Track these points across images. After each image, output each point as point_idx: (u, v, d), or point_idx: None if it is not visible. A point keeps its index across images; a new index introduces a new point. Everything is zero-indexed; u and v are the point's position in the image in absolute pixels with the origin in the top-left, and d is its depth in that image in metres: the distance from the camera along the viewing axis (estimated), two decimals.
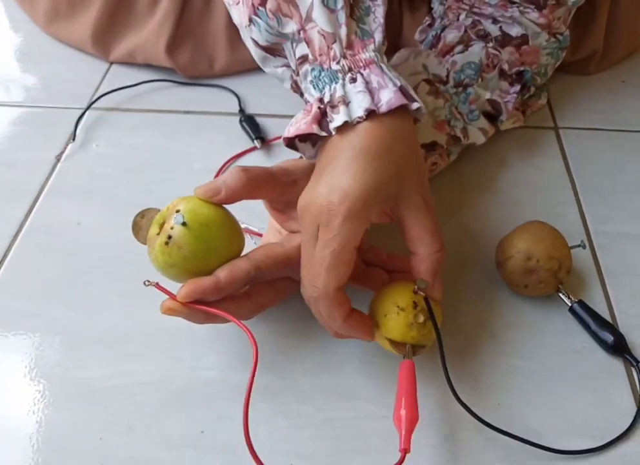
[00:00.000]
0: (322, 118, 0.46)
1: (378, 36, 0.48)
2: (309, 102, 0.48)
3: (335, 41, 0.46)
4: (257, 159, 0.67)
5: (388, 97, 0.44)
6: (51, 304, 0.54)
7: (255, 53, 0.52)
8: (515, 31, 0.62)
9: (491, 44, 0.62)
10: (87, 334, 0.52)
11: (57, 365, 0.50)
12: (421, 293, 0.45)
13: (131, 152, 0.67)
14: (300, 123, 0.46)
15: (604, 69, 0.78)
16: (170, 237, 0.43)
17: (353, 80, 0.45)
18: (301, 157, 0.56)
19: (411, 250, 0.47)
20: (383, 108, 0.44)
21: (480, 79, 0.61)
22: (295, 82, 0.52)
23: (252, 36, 0.50)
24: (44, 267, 0.57)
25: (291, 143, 0.49)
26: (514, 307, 0.54)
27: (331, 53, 0.46)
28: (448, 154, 0.62)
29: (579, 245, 0.54)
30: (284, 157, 0.66)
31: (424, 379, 0.49)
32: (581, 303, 0.52)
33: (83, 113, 0.71)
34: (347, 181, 0.42)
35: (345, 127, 0.44)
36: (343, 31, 0.46)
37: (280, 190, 0.48)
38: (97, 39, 0.77)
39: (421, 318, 0.45)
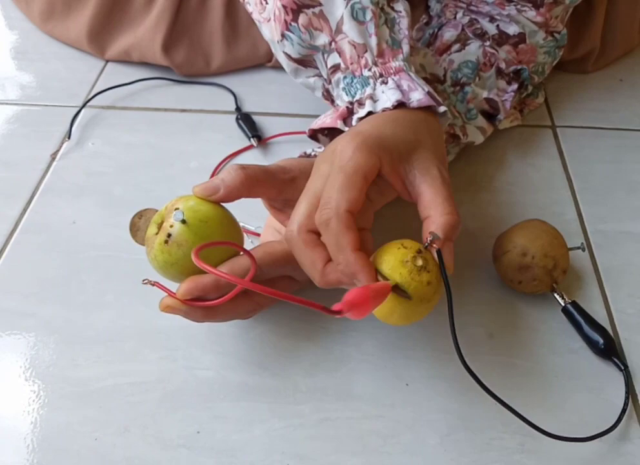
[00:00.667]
0: (348, 116, 0.48)
1: (405, 47, 0.50)
2: (335, 107, 0.51)
3: (366, 51, 0.49)
4: (254, 158, 0.67)
5: (418, 97, 0.47)
6: (46, 303, 0.54)
7: (288, 66, 0.55)
8: (512, 29, 0.62)
9: (488, 43, 0.62)
10: (82, 334, 0.52)
11: (52, 365, 0.50)
12: (434, 246, 0.42)
13: (127, 151, 0.67)
14: (327, 118, 0.49)
15: (602, 67, 0.78)
16: (169, 235, 0.43)
17: (384, 83, 0.48)
18: (301, 156, 0.56)
19: (423, 217, 0.44)
20: (413, 104, 0.47)
21: (477, 78, 0.61)
22: (327, 91, 0.54)
23: (285, 50, 0.53)
24: (39, 266, 0.57)
25: (314, 135, 0.53)
26: (511, 307, 0.54)
27: (362, 62, 0.49)
28: (447, 153, 0.61)
29: (578, 248, 0.53)
30: (281, 156, 0.66)
31: (428, 379, 0.49)
32: (574, 305, 0.52)
33: (79, 112, 0.71)
34: (362, 127, 0.44)
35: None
36: (373, 41, 0.49)
37: (278, 187, 0.47)
38: (92, 37, 0.77)
39: (419, 262, 0.41)
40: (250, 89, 0.75)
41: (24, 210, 0.61)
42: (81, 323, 0.52)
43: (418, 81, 0.49)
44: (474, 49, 0.61)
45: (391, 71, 0.49)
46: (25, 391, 0.48)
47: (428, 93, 0.48)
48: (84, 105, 0.71)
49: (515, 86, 0.63)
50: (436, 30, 0.64)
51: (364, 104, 0.48)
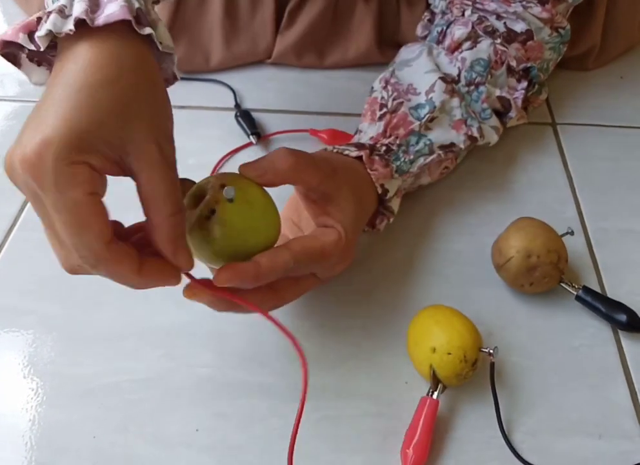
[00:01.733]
0: (35, 29, 0.38)
1: None
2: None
3: None
4: (254, 155, 0.66)
5: (111, 10, 0.36)
6: (45, 301, 0.54)
7: None
8: (519, 27, 0.62)
9: (499, 41, 0.62)
10: (82, 332, 0.52)
11: (50, 362, 0.50)
12: (492, 358, 0.47)
13: None
14: (10, 29, 0.38)
15: (602, 65, 0.78)
16: (213, 211, 0.39)
17: None
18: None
19: (145, 215, 0.38)
20: (99, 20, 0.35)
21: (489, 76, 0.60)
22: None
23: None
24: (38, 263, 0.56)
25: (12, 55, 0.40)
26: (511, 305, 0.54)
27: None
28: (456, 157, 0.61)
29: (567, 233, 0.54)
30: None
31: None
32: (586, 289, 0.52)
33: None
34: (51, 124, 0.33)
35: (62, 46, 0.36)
36: None
37: (320, 177, 0.45)
38: None
39: (470, 375, 0.46)
40: (249, 86, 0.75)
41: (22, 207, 0.61)
42: (80, 321, 0.52)
43: None
44: (485, 47, 0.61)
45: None
46: (24, 389, 0.48)
47: (136, 10, 0.37)
48: None
49: (524, 83, 0.63)
50: (444, 27, 0.64)
51: (50, 16, 0.37)
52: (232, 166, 0.65)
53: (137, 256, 0.37)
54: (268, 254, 0.41)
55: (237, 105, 0.72)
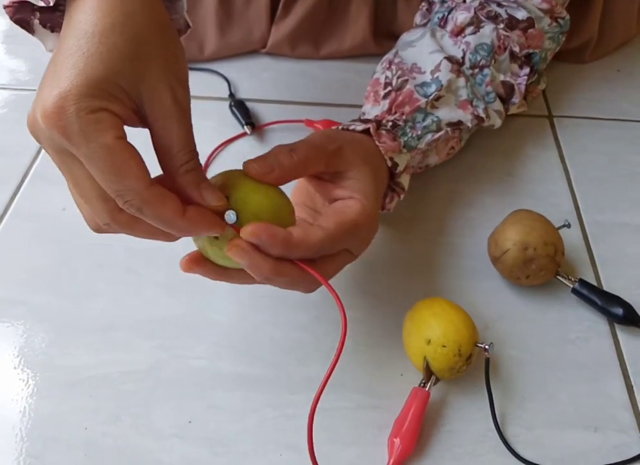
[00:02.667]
0: None
1: None
2: None
3: None
4: (248, 146, 0.66)
5: None
6: (36, 291, 0.53)
7: None
8: (520, 14, 0.61)
9: (501, 26, 0.61)
10: (73, 322, 0.51)
11: (41, 353, 0.49)
12: (487, 354, 0.47)
13: None
14: None
15: (599, 57, 0.78)
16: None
17: None
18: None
19: (161, 166, 0.37)
20: None
21: (493, 61, 0.60)
22: None
23: None
24: (29, 253, 0.56)
25: (25, 21, 0.39)
26: (507, 297, 0.54)
27: None
28: (460, 139, 0.61)
29: (564, 225, 0.54)
30: (275, 144, 0.65)
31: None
32: (582, 282, 0.52)
33: None
34: (67, 75, 0.33)
35: (73, 4, 0.36)
36: None
37: (326, 161, 0.44)
38: None
39: (463, 369, 0.46)
40: (243, 75, 0.74)
41: (14, 195, 0.60)
42: (72, 312, 0.52)
43: None
44: (488, 31, 0.60)
45: None
46: (14, 380, 0.48)
47: None
48: None
49: (527, 70, 0.62)
50: (446, 13, 0.63)
51: None
52: (226, 157, 0.64)
53: (177, 198, 0.36)
54: (301, 228, 0.40)
55: (232, 95, 0.71)
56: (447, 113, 0.56)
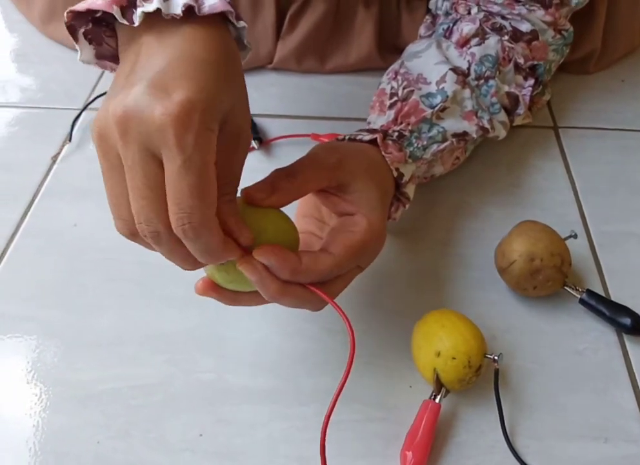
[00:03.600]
0: (128, 6, 0.38)
1: None
2: None
3: None
4: (255, 160, 0.66)
5: (212, 1, 0.38)
6: (47, 307, 0.54)
7: None
8: (524, 27, 0.62)
9: (506, 38, 0.62)
10: (84, 337, 0.52)
11: (53, 368, 0.50)
12: (496, 365, 0.47)
13: None
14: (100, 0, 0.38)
15: (603, 68, 0.78)
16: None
17: None
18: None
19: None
20: (205, 9, 0.37)
21: (498, 72, 0.60)
22: None
23: None
24: (40, 269, 0.56)
25: (73, 28, 0.40)
26: (514, 308, 0.54)
27: None
28: (465, 149, 0.61)
29: (570, 236, 0.54)
30: (282, 158, 0.66)
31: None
32: (590, 293, 0.52)
33: (79, 114, 0.70)
34: (191, 87, 0.34)
35: (157, 25, 0.37)
36: None
37: (327, 177, 0.45)
38: None
39: (473, 380, 0.46)
40: (250, 91, 0.73)
41: (25, 213, 0.61)
42: (82, 327, 0.52)
43: None
44: (493, 43, 0.61)
45: None
46: (27, 394, 0.48)
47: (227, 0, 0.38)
48: (85, 107, 0.71)
49: (531, 81, 0.63)
50: (451, 25, 0.64)
51: None
52: None
53: None
54: (311, 255, 0.41)
55: None
56: (452, 124, 0.57)
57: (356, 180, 0.46)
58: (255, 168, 0.65)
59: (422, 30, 0.68)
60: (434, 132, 0.56)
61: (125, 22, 0.37)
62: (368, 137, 0.52)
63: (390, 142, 0.52)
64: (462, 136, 0.57)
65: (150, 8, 0.36)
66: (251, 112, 0.70)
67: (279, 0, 0.73)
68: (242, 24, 0.39)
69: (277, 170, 0.43)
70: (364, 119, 0.60)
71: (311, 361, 0.50)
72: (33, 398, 0.48)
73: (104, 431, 0.46)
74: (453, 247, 0.59)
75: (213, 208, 0.35)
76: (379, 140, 0.51)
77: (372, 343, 0.51)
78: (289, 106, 0.73)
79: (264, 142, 0.68)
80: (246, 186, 0.42)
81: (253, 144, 0.67)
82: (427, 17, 0.68)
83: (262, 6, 0.73)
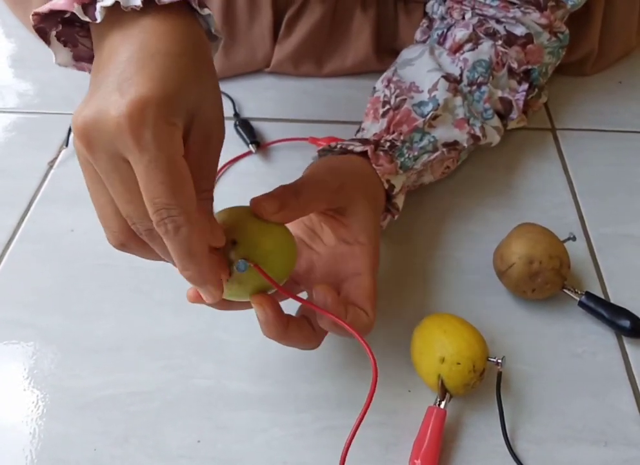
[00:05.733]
0: (90, 2, 0.36)
1: None
2: None
3: None
4: (253, 164, 0.66)
5: None
6: (44, 313, 0.53)
7: None
8: (519, 30, 0.62)
9: (499, 42, 0.62)
10: (81, 343, 0.51)
11: (50, 374, 0.49)
12: (500, 368, 0.47)
13: None
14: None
15: (601, 70, 0.78)
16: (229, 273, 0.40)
17: None
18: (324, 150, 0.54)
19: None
20: None
21: (491, 77, 0.61)
22: None
23: None
24: (37, 275, 0.56)
25: (44, 31, 0.40)
26: (513, 311, 0.53)
27: None
28: (458, 159, 0.61)
29: (569, 238, 0.54)
30: (280, 162, 0.66)
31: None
32: (589, 295, 0.52)
33: None
34: (144, 84, 0.33)
35: (120, 20, 0.36)
36: None
37: (329, 198, 0.46)
38: None
39: (477, 385, 0.46)
40: (248, 95, 0.75)
41: (22, 218, 0.61)
42: (80, 333, 0.52)
43: None
44: (487, 48, 0.61)
45: None
46: (24, 401, 0.48)
47: None
48: None
49: (525, 85, 0.63)
50: (445, 30, 0.64)
51: None
52: (232, 175, 0.65)
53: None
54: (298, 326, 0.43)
55: (236, 114, 0.72)
56: (444, 132, 0.57)
57: (354, 204, 0.47)
58: (252, 172, 0.66)
59: (418, 35, 0.68)
60: (425, 141, 0.56)
61: (87, 19, 0.36)
62: (359, 148, 0.52)
63: (381, 153, 0.53)
64: (452, 146, 0.58)
65: (108, 1, 0.35)
66: (249, 116, 0.71)
67: (276, 3, 0.73)
68: (206, 11, 0.37)
69: (284, 187, 0.43)
70: (362, 123, 0.60)
71: (310, 368, 0.50)
72: (30, 405, 0.48)
73: (102, 438, 0.46)
74: (450, 250, 0.58)
75: (193, 203, 0.34)
76: (369, 152, 0.52)
77: (370, 346, 0.51)
78: (286, 110, 0.73)
79: (262, 145, 0.68)
80: (255, 196, 0.42)
81: (251, 148, 0.67)
82: (424, 20, 0.68)
83: (259, 9, 0.73)
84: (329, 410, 0.47)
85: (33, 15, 0.38)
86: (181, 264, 0.36)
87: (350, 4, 0.73)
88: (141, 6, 0.35)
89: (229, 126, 0.70)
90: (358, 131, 0.60)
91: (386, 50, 0.75)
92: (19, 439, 0.46)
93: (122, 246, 0.37)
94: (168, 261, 0.38)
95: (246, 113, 0.72)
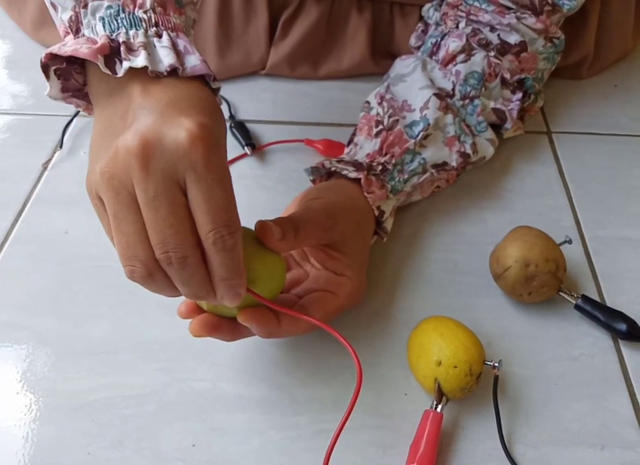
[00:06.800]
0: (110, 54, 0.39)
1: (191, 13, 0.44)
2: (84, 36, 0.40)
3: None
4: (248, 167, 0.66)
5: (194, 62, 0.39)
6: (38, 315, 0.53)
7: None
8: (513, 39, 0.62)
9: (492, 53, 0.62)
10: (75, 346, 0.51)
11: (44, 377, 0.49)
12: (496, 371, 0.46)
13: None
14: (82, 46, 0.38)
15: (596, 73, 0.78)
16: None
17: (158, 36, 0.40)
18: (319, 167, 0.56)
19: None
20: (187, 70, 0.39)
21: (483, 89, 0.61)
22: (77, 15, 0.42)
23: None
24: (31, 277, 0.56)
25: (46, 66, 0.41)
26: (510, 314, 0.53)
27: (139, 0, 0.40)
28: (453, 180, 0.62)
29: (565, 241, 0.54)
30: (275, 164, 0.66)
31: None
32: (585, 298, 0.52)
33: (71, 121, 0.70)
34: (193, 113, 0.36)
35: (140, 76, 0.38)
36: None
37: (323, 236, 0.47)
38: None
39: (473, 388, 0.46)
40: (243, 97, 0.74)
41: (16, 220, 0.61)
42: (74, 335, 0.52)
43: (195, 47, 0.41)
44: (479, 59, 0.61)
45: (170, 25, 0.41)
46: (17, 404, 0.47)
47: (204, 61, 0.40)
48: (76, 114, 0.71)
49: (519, 94, 0.63)
50: (439, 39, 0.64)
51: (136, 51, 0.39)
52: None
53: None
54: (290, 320, 0.44)
55: (232, 116, 0.71)
56: (434, 153, 0.58)
57: (345, 242, 0.49)
58: (247, 174, 0.66)
59: (412, 40, 0.68)
60: (415, 164, 0.57)
61: (108, 72, 0.38)
62: (353, 174, 0.54)
63: (373, 178, 0.54)
64: (442, 167, 0.59)
65: (138, 63, 0.37)
66: (245, 118, 0.71)
67: (271, 6, 0.73)
68: (217, 84, 0.41)
69: (283, 219, 0.45)
70: (355, 134, 0.61)
71: (305, 371, 0.50)
72: (24, 408, 0.47)
73: (97, 442, 0.45)
74: (447, 252, 0.58)
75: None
76: (363, 180, 0.53)
77: (366, 350, 0.51)
78: (282, 112, 0.73)
79: (257, 148, 0.67)
80: (261, 220, 0.43)
81: (246, 150, 0.67)
82: (419, 24, 0.68)
83: (255, 12, 0.73)
84: (324, 413, 0.47)
85: (47, 53, 0.39)
86: (230, 276, 0.37)
87: (346, 6, 0.73)
88: (165, 74, 0.38)
89: None
90: (350, 142, 0.61)
91: (381, 53, 0.75)
92: (12, 442, 0.45)
93: (149, 276, 0.37)
94: (179, 296, 0.40)
95: (241, 116, 0.72)
